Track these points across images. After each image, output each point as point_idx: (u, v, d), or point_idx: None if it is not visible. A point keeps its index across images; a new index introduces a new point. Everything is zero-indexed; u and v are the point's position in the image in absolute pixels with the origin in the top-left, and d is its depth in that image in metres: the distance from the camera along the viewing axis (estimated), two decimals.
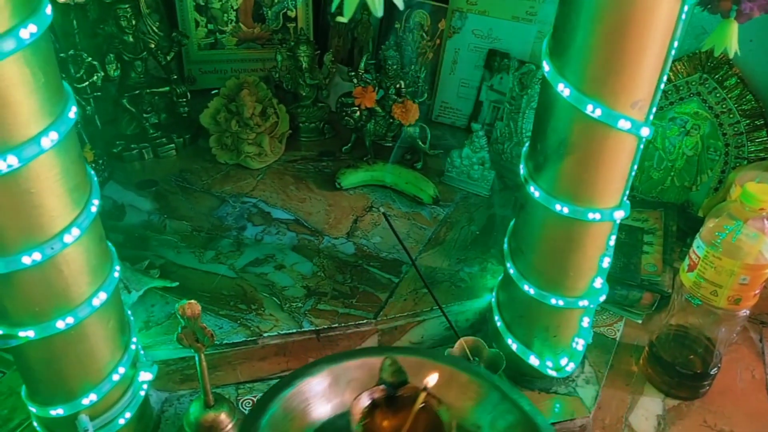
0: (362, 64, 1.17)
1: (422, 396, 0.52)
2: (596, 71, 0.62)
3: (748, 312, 0.80)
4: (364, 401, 0.53)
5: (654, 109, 0.66)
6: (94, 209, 0.59)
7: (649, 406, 0.86)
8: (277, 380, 0.81)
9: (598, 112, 0.63)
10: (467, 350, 0.81)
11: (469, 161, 1.15)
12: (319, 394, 0.57)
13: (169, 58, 1.23)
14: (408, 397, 0.54)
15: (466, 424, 0.56)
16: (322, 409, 0.57)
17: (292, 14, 1.43)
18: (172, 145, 1.25)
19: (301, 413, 0.55)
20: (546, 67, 0.66)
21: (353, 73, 1.18)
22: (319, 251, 1.02)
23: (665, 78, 0.64)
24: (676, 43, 0.62)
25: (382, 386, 0.54)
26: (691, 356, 0.87)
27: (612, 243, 0.75)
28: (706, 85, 1.06)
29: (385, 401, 0.54)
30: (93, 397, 0.66)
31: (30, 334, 0.59)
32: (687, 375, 0.86)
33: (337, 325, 0.87)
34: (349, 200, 1.16)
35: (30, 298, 0.58)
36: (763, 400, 0.88)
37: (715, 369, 0.86)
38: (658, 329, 0.90)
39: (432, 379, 0.53)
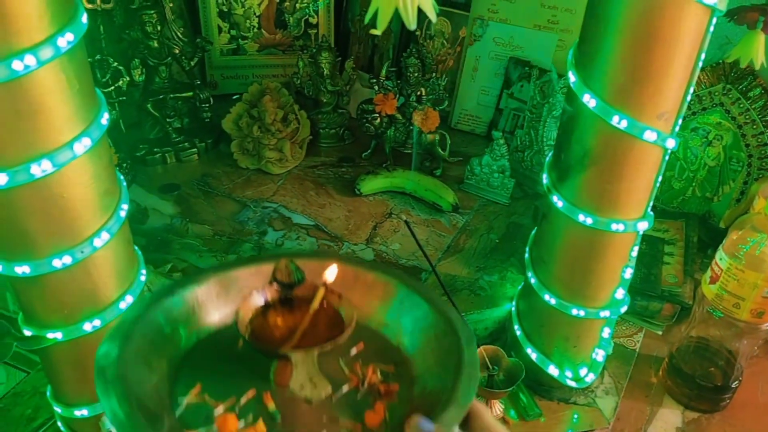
0: (383, 71, 1.18)
1: (321, 292, 0.47)
2: (622, 82, 0.62)
3: None
4: (255, 301, 0.48)
5: (680, 121, 0.66)
6: (123, 214, 0.60)
7: (669, 419, 0.85)
8: None
9: (623, 124, 0.62)
10: (486, 359, 0.81)
11: (489, 169, 1.15)
12: (205, 304, 0.50)
13: (192, 63, 1.25)
14: (305, 297, 0.48)
15: (372, 323, 0.52)
16: (208, 320, 0.50)
17: (313, 21, 1.44)
18: (195, 149, 1.26)
19: (183, 324, 0.48)
20: (572, 77, 0.66)
21: (374, 80, 1.19)
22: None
23: (692, 89, 0.64)
24: (703, 55, 0.62)
25: (275, 285, 0.49)
26: (712, 369, 0.86)
27: (635, 254, 0.74)
28: (730, 96, 1.05)
29: (281, 302, 0.49)
30: None
31: (58, 336, 0.60)
32: (707, 387, 0.86)
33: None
34: (369, 206, 1.16)
35: (59, 300, 0.59)
36: None
37: (736, 382, 0.85)
38: (678, 341, 0.89)
39: (330, 273, 0.48)
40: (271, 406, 0.43)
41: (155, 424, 0.39)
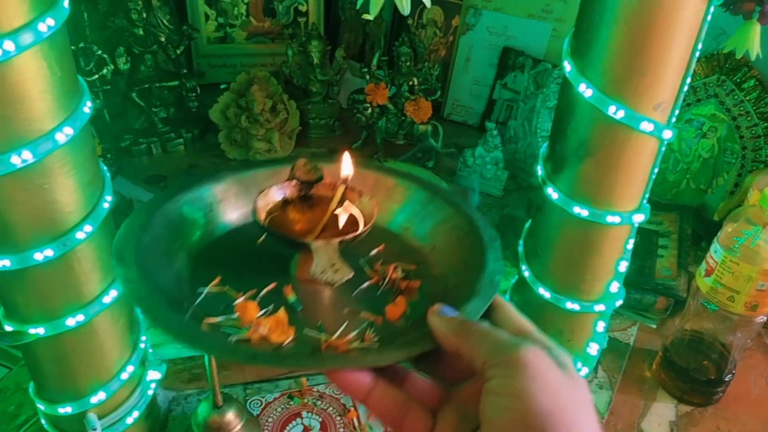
0: (375, 61, 1.16)
1: (341, 188, 0.47)
2: (619, 72, 0.61)
3: (765, 318, 0.79)
4: (275, 195, 0.48)
5: (677, 112, 0.65)
6: (106, 205, 0.58)
7: (662, 412, 0.85)
8: (284, 380, 0.81)
9: (620, 114, 0.61)
10: None
11: (482, 160, 1.13)
12: (224, 202, 0.51)
13: (178, 51, 1.22)
14: (324, 196, 0.48)
15: (393, 226, 0.52)
16: (227, 218, 0.50)
17: (303, 8, 1.42)
18: (181, 140, 1.24)
19: (202, 219, 0.49)
20: (567, 66, 0.65)
21: (365, 70, 1.17)
22: None
23: (689, 80, 0.63)
24: (700, 45, 0.61)
25: (294, 183, 0.48)
26: (705, 362, 0.86)
27: (630, 247, 0.73)
28: (724, 87, 1.05)
29: (300, 199, 0.49)
30: (101, 395, 0.65)
31: (40, 331, 0.58)
32: (701, 381, 0.85)
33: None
34: None
35: (41, 295, 0.57)
36: None
37: (730, 375, 0.85)
38: (672, 334, 0.88)
39: (348, 167, 0.47)
40: (292, 296, 0.44)
41: (176, 309, 0.40)
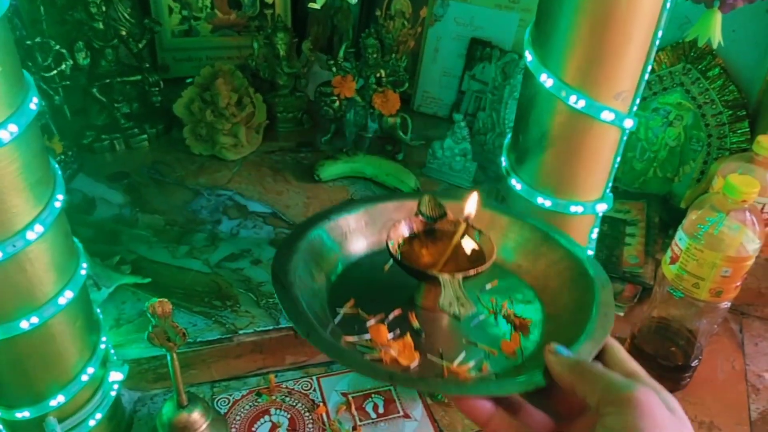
0: (341, 53, 1.15)
1: (463, 226, 0.51)
2: (579, 61, 0.61)
3: (729, 304, 0.80)
4: (403, 229, 0.53)
5: (638, 101, 0.65)
6: (58, 204, 0.57)
7: None
8: (253, 377, 0.80)
9: (581, 104, 0.61)
10: None
11: (451, 152, 1.13)
12: (356, 231, 0.56)
13: (141, 45, 1.19)
14: (447, 230, 0.53)
15: (507, 264, 0.56)
16: (358, 245, 0.56)
17: (269, 0, 1.40)
18: (145, 135, 1.21)
19: (337, 246, 0.55)
20: (528, 56, 0.65)
21: (332, 62, 1.15)
22: None
23: (649, 69, 0.63)
24: (660, 33, 0.61)
25: (420, 217, 0.53)
26: (673, 348, 0.87)
27: (594, 236, 0.74)
28: (690, 76, 1.05)
29: (425, 233, 0.53)
30: (61, 398, 0.63)
31: None
32: (668, 367, 0.86)
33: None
34: (329, 193, 1.13)
35: None
36: (742, 391, 0.87)
37: (696, 361, 0.86)
38: (640, 322, 0.89)
39: (472, 205, 0.52)
40: (416, 323, 0.48)
41: (322, 327, 0.45)
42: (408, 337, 0.46)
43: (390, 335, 0.46)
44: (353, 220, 0.56)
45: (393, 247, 0.51)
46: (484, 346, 0.48)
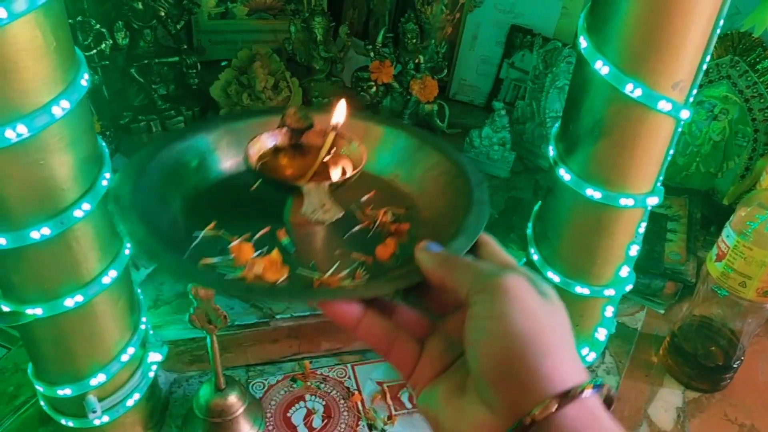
0: (380, 38, 1.13)
1: (332, 135, 0.48)
2: (637, 48, 0.59)
3: None
4: (265, 142, 0.49)
5: (694, 91, 0.63)
6: (105, 183, 0.57)
7: (669, 398, 0.84)
8: (288, 362, 0.80)
9: (637, 92, 0.59)
10: None
11: (489, 141, 1.11)
12: (216, 151, 0.52)
13: (178, 27, 1.19)
14: (315, 144, 0.49)
15: (383, 173, 0.53)
16: (221, 165, 0.52)
17: None
18: (181, 117, 1.21)
19: (196, 167, 0.51)
20: (583, 42, 0.63)
21: (370, 47, 1.14)
22: None
23: (708, 58, 0.61)
24: (722, 21, 0.59)
25: (284, 130, 0.49)
26: (713, 348, 0.85)
27: (642, 230, 0.72)
28: (737, 68, 1.02)
29: (291, 147, 0.50)
30: (101, 377, 0.64)
31: (38, 312, 0.57)
32: (708, 367, 0.84)
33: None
34: None
35: (38, 274, 0.55)
36: None
37: (738, 362, 0.84)
38: (681, 319, 0.87)
39: (340, 114, 0.48)
40: (285, 239, 0.46)
41: (174, 251, 0.42)
42: (275, 253, 0.43)
43: (256, 253, 0.44)
44: (212, 138, 0.52)
45: (252, 160, 0.47)
46: (358, 255, 0.45)
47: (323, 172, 0.49)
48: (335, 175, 0.49)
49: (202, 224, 0.46)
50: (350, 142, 0.49)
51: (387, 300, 0.42)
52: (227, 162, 0.52)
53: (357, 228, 0.48)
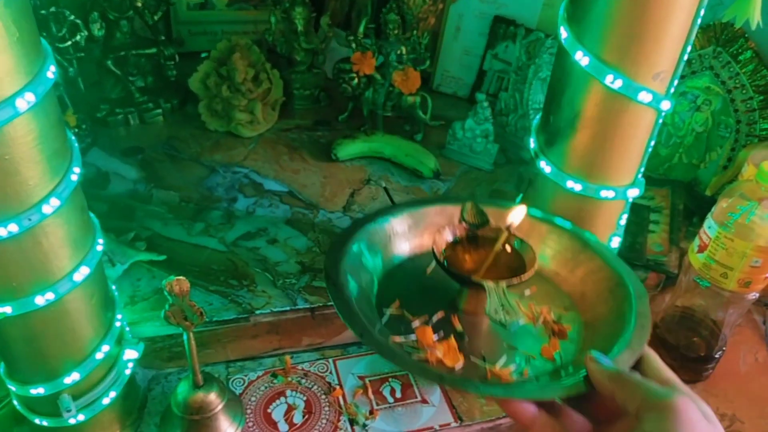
0: (361, 28, 1.12)
1: (505, 234, 0.52)
2: (618, 39, 0.58)
3: (757, 295, 0.78)
4: (447, 235, 0.55)
5: (675, 82, 0.62)
6: (74, 177, 0.55)
7: None
8: (268, 358, 0.79)
9: (618, 83, 0.59)
10: None
11: (472, 133, 1.10)
12: (399, 234, 0.58)
13: (156, 17, 1.17)
14: (489, 237, 0.54)
15: (545, 271, 0.57)
16: (402, 248, 0.58)
17: None
18: (159, 110, 1.19)
19: (382, 249, 0.57)
20: (563, 33, 0.62)
21: (352, 38, 1.13)
22: (314, 225, 0.98)
23: (689, 48, 0.60)
24: (702, 11, 0.58)
25: (463, 224, 0.55)
26: (696, 338, 0.85)
27: (623, 222, 0.72)
28: (720, 59, 1.02)
29: (468, 239, 0.55)
30: (75, 376, 0.63)
31: (7, 310, 0.55)
32: (691, 357, 0.84)
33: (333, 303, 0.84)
34: (346, 172, 1.11)
35: (6, 272, 0.54)
36: (766, 384, 0.86)
37: (720, 352, 0.84)
38: (663, 311, 0.87)
39: (516, 216, 0.53)
40: (459, 326, 0.51)
41: (371, 324, 0.48)
42: (452, 340, 0.48)
43: (435, 337, 0.48)
44: (397, 224, 0.58)
45: (438, 252, 0.52)
46: (524, 351, 0.49)
47: (495, 267, 0.53)
48: (508, 271, 0.53)
49: (390, 301, 0.52)
50: (521, 241, 0.54)
51: (554, 400, 0.45)
52: (406, 245, 0.59)
53: (522, 322, 0.50)
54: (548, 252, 0.58)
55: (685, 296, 0.84)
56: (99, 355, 0.64)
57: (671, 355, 0.84)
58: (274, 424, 0.72)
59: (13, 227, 0.51)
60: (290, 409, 0.73)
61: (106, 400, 0.67)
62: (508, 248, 0.54)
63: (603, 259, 0.56)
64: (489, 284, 0.49)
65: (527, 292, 0.54)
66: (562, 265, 0.58)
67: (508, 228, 0.53)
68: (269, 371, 0.77)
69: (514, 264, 0.53)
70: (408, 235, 0.59)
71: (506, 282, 0.49)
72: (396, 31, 1.12)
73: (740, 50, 1.00)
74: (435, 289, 0.55)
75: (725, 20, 0.73)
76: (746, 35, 0.99)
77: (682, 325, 0.86)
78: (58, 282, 0.57)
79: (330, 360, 0.79)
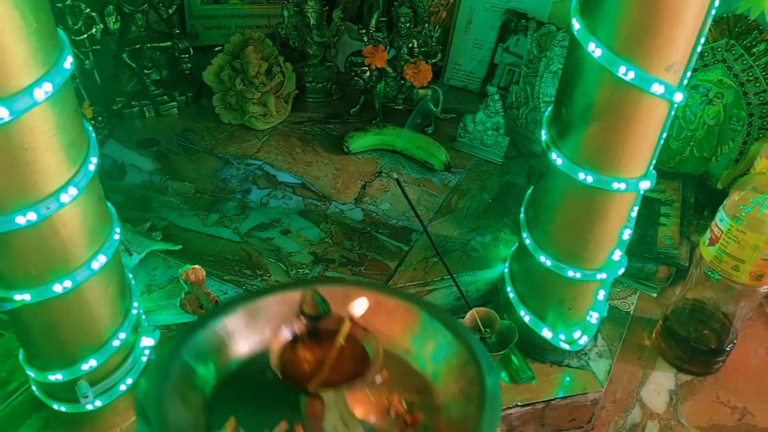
0: (373, 22, 1.12)
1: (346, 327, 0.48)
2: (631, 30, 0.58)
3: None
4: (284, 336, 0.49)
5: (688, 74, 0.62)
6: (92, 167, 0.56)
7: (661, 381, 0.84)
8: None
9: (630, 75, 0.59)
10: (479, 321, 0.79)
11: (483, 126, 1.11)
12: (236, 333, 0.52)
13: (170, 11, 1.18)
14: (332, 329, 0.49)
15: (396, 349, 0.53)
16: (239, 349, 0.52)
17: None
18: (174, 103, 1.21)
19: (215, 357, 0.51)
20: (576, 25, 0.62)
21: (364, 31, 1.13)
22: (326, 217, 0.99)
23: (702, 40, 0.60)
24: (717, 2, 0.58)
25: (302, 319, 0.50)
26: (706, 331, 0.85)
27: (634, 214, 0.72)
28: (733, 52, 1.01)
29: (309, 335, 0.50)
30: (93, 362, 0.64)
31: (26, 297, 0.56)
32: (701, 350, 0.84)
33: None
34: (358, 165, 1.12)
35: (25, 259, 0.55)
36: None
37: (731, 345, 0.84)
38: (673, 303, 0.87)
39: (358, 308, 0.49)
40: None
41: None
42: None
43: None
44: (231, 323, 0.52)
45: (273, 357, 0.47)
46: None
47: (339, 364, 0.49)
48: (352, 370, 0.49)
49: (224, 419, 0.46)
50: (365, 331, 0.49)
51: None
52: (245, 345, 0.52)
53: (372, 420, 0.48)
54: (397, 329, 0.54)
55: (695, 289, 0.84)
56: (116, 343, 0.65)
57: (682, 347, 0.85)
58: None
59: (32, 215, 0.52)
60: None
61: (122, 387, 0.68)
62: (351, 341, 0.50)
63: (450, 331, 0.52)
64: (328, 396, 0.45)
65: (378, 379, 0.50)
66: (412, 341, 0.53)
67: (349, 319, 0.49)
68: None
69: (359, 356, 0.49)
70: (246, 333, 0.52)
71: (347, 387, 0.46)
72: (408, 25, 1.12)
73: (754, 42, 0.99)
74: (280, 395, 0.48)
75: (739, 12, 0.73)
76: (760, 27, 0.98)
77: (692, 318, 0.86)
78: (76, 270, 0.58)
79: None
